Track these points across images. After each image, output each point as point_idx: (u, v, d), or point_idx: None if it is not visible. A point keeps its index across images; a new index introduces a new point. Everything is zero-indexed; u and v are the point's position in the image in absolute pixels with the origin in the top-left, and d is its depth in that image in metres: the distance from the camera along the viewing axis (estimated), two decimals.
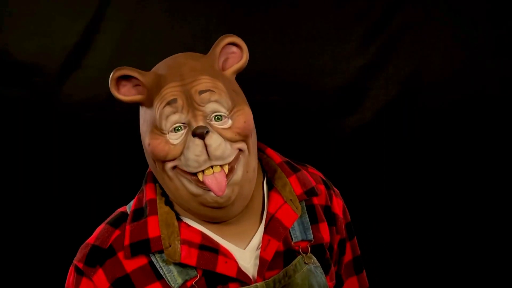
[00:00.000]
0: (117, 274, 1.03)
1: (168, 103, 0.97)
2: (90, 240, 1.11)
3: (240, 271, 1.04)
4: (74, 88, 2.32)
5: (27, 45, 2.28)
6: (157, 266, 1.02)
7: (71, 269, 1.12)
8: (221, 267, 1.01)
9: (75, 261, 1.11)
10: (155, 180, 1.11)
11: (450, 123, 2.39)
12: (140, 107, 1.07)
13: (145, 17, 2.31)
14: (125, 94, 1.04)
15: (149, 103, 1.02)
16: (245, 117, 1.02)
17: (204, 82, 0.99)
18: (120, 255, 1.04)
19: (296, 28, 2.35)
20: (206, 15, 2.32)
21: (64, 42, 2.29)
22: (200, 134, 0.95)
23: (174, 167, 1.01)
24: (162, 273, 1.02)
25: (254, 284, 1.04)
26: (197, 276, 1.02)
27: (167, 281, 1.02)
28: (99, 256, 1.06)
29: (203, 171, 0.98)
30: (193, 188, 1.01)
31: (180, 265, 1.02)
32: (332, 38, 2.35)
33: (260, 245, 1.07)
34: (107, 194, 2.30)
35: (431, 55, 2.36)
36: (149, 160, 1.07)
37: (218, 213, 1.04)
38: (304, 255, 1.11)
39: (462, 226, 2.39)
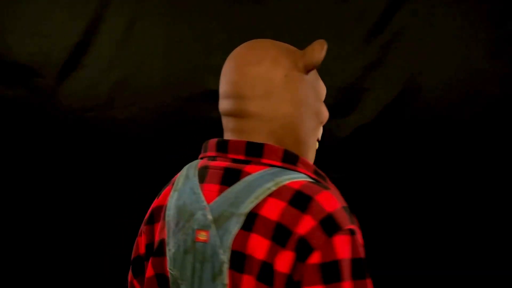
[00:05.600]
0: None
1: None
2: (337, 205, 1.01)
3: None
4: (74, 88, 2.33)
5: (27, 45, 2.28)
6: None
7: (343, 237, 0.97)
8: None
9: (347, 227, 0.98)
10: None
11: (450, 123, 2.39)
12: (310, 74, 1.22)
13: (144, 17, 2.32)
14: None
15: (316, 77, 1.24)
16: None
17: None
18: None
19: (296, 28, 2.35)
20: (206, 15, 2.33)
21: (64, 42, 2.30)
22: None
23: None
24: None
25: None
26: None
27: None
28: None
29: None
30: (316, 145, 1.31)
31: None
32: (332, 38, 2.36)
33: None
34: (106, 193, 2.30)
35: (430, 55, 2.36)
36: (313, 124, 1.25)
37: None
38: None
39: (461, 224, 2.39)
